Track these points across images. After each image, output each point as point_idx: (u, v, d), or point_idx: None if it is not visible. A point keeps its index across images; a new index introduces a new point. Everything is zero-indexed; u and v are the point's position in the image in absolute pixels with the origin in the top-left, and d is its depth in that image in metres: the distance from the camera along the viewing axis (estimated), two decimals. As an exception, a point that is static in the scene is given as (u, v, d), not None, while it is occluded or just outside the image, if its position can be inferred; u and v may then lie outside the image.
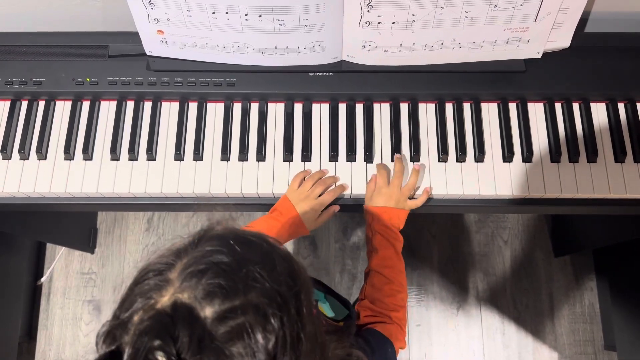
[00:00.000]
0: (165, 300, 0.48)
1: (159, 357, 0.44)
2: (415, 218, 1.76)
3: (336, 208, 0.98)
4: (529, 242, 1.76)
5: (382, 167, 0.98)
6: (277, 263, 0.52)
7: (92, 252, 1.75)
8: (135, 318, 0.48)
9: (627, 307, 1.52)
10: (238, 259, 0.50)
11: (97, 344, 0.50)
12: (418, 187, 0.98)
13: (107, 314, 1.68)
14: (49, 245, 1.76)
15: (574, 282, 1.72)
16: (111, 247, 1.76)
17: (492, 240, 1.76)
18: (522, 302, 1.71)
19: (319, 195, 0.95)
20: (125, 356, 0.46)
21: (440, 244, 1.76)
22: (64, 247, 1.74)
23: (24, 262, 1.62)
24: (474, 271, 1.74)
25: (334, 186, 0.98)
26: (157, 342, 0.45)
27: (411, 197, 0.97)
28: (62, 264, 1.74)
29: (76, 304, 1.71)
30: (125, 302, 0.50)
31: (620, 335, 1.55)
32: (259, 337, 0.46)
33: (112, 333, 0.48)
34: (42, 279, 1.72)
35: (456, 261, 1.75)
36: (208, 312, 0.47)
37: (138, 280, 0.52)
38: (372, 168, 0.99)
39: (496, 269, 1.74)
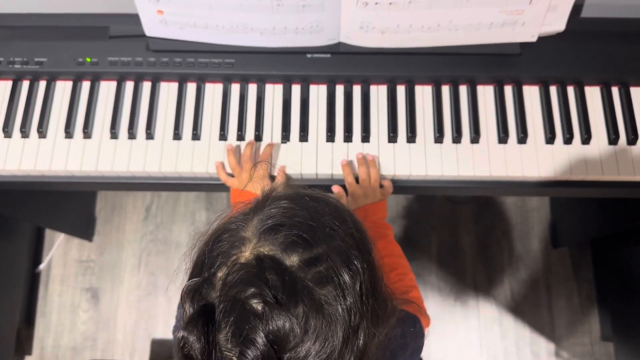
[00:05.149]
0: (247, 254, 0.49)
1: (254, 304, 0.45)
2: (414, 209, 1.77)
3: (283, 168, 0.98)
4: (528, 234, 1.77)
5: (348, 174, 0.98)
6: (345, 215, 0.54)
7: (91, 240, 1.76)
8: (219, 274, 0.49)
9: (623, 298, 1.52)
10: (311, 212, 0.52)
11: (182, 303, 0.50)
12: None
13: (105, 302, 1.69)
14: (47, 233, 1.77)
15: (571, 274, 1.73)
16: (109, 236, 1.76)
17: (490, 231, 1.77)
18: (519, 293, 1.71)
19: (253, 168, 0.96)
20: (219, 309, 0.46)
21: (439, 235, 1.76)
22: (62, 235, 1.74)
23: (23, 249, 1.63)
24: (472, 262, 1.74)
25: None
26: (250, 290, 0.45)
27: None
28: (60, 252, 1.75)
29: (74, 291, 1.71)
30: (205, 263, 0.51)
31: (617, 326, 1.55)
32: (347, 278, 0.48)
33: (199, 290, 0.49)
34: (41, 266, 1.72)
35: (454, 252, 1.75)
36: (293, 260, 0.48)
37: (213, 242, 0.52)
38: (368, 148, 1.00)
39: (494, 260, 1.74)
